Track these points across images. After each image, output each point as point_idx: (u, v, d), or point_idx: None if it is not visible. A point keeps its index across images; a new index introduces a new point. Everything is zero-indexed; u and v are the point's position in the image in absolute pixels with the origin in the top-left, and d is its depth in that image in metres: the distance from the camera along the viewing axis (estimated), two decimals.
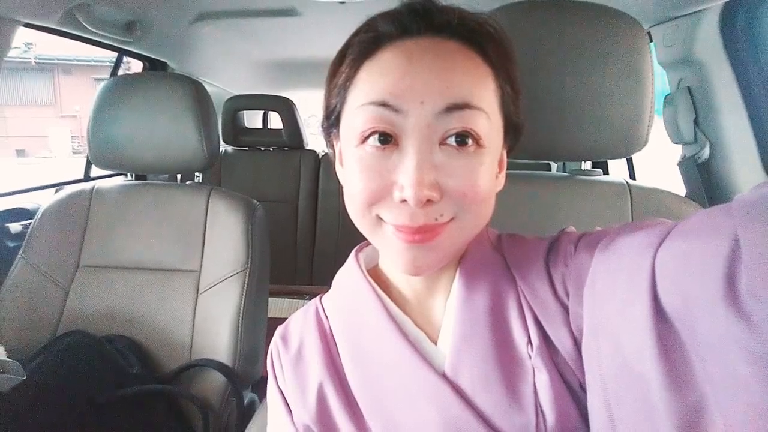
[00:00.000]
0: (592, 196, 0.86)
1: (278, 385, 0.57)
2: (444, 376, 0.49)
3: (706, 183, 1.10)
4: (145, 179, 1.30)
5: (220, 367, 1.02)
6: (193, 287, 1.10)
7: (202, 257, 1.12)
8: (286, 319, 0.63)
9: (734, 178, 1.04)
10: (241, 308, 1.07)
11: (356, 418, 0.51)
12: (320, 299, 0.62)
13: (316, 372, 0.55)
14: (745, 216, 0.33)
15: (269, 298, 1.30)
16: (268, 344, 0.61)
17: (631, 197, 0.85)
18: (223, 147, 2.43)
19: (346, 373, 0.54)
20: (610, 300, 0.42)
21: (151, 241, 1.15)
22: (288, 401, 0.55)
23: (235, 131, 2.39)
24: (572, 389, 0.47)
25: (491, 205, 0.48)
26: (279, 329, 0.61)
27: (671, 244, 0.38)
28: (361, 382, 0.52)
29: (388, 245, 0.47)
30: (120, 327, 1.10)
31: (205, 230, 1.14)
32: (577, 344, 0.47)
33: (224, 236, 1.12)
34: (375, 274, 0.58)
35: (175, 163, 1.13)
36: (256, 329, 1.13)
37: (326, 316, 0.59)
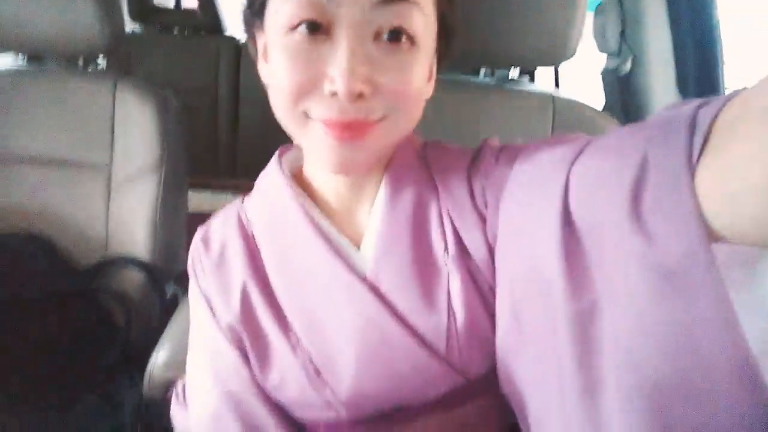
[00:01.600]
0: (516, 106, 0.88)
1: (200, 287, 0.57)
2: (365, 279, 0.51)
3: (625, 95, 1.15)
4: (40, 62, 1.14)
5: (138, 263, 0.99)
6: (104, 183, 1.03)
7: (112, 152, 1.04)
8: (208, 213, 0.62)
9: (650, 93, 1.09)
10: (158, 204, 1.03)
11: (280, 318, 0.53)
12: (242, 202, 0.60)
13: (239, 274, 0.55)
14: (656, 136, 0.34)
15: (190, 192, 1.25)
16: (190, 239, 0.60)
17: (554, 109, 0.87)
18: (131, 26, 2.17)
19: (269, 275, 0.54)
20: (525, 209, 0.44)
21: (51, 133, 1.04)
22: (210, 302, 0.56)
23: (142, 6, 2.14)
24: (483, 293, 0.51)
25: (421, 108, 0.48)
26: (199, 232, 0.60)
27: (585, 159, 0.40)
28: (285, 285, 0.53)
29: (315, 143, 0.46)
30: (26, 225, 1.02)
31: (113, 124, 1.04)
32: (491, 251, 0.50)
33: (136, 131, 1.04)
34: (299, 179, 0.57)
35: (70, 43, 0.99)
36: (175, 224, 1.10)
37: (249, 220, 0.58)
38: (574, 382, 0.38)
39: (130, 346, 0.94)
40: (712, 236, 0.31)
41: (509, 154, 0.51)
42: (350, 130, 0.43)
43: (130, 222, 1.03)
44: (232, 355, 0.53)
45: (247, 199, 0.60)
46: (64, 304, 0.92)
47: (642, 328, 0.33)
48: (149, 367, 0.78)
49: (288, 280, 0.54)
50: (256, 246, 0.56)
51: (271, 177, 0.57)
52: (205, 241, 0.59)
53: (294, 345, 0.52)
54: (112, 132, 1.04)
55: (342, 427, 0.52)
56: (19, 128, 1.05)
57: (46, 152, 1.05)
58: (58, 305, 0.92)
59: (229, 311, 0.54)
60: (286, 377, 0.52)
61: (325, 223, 0.54)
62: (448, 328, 0.49)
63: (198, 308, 0.57)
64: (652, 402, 0.33)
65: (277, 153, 0.59)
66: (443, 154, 0.56)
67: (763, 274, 0.34)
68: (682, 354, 0.32)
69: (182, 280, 1.12)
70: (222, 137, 2.18)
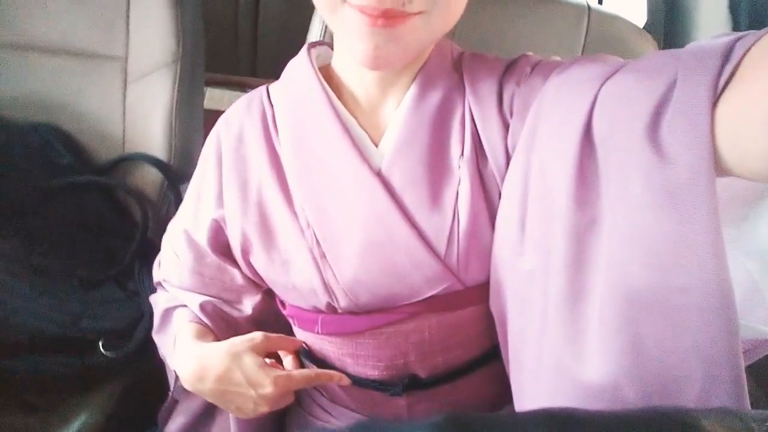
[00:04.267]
0: (548, 15, 0.83)
1: (221, 167, 0.60)
2: (378, 174, 0.52)
3: (669, 14, 1.06)
4: None
5: (155, 161, 1.00)
6: (120, 76, 1.02)
7: (127, 44, 1.01)
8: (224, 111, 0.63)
9: (698, 13, 1.00)
10: (174, 101, 1.02)
11: (290, 201, 0.56)
12: (267, 88, 0.62)
13: (255, 156, 0.57)
14: (690, 62, 0.34)
15: (208, 89, 1.23)
16: (205, 138, 0.63)
17: (588, 22, 0.82)
18: None
19: (283, 159, 0.57)
20: (551, 119, 0.45)
21: (65, 21, 1.01)
22: (223, 177, 0.60)
23: None
24: (490, 202, 0.52)
25: (461, 7, 0.47)
26: (224, 114, 0.63)
27: (618, 77, 0.40)
28: (299, 171, 0.55)
29: (349, 29, 0.45)
30: (43, 115, 1.02)
31: (128, 14, 1.01)
32: (508, 159, 0.51)
33: (151, 23, 1.00)
34: (327, 74, 0.57)
35: None
36: (192, 123, 1.09)
37: (271, 104, 0.60)
38: (560, 290, 0.39)
39: (146, 242, 0.96)
40: (721, 169, 0.31)
41: (545, 67, 0.51)
42: (385, 17, 0.43)
43: (146, 119, 1.03)
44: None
45: (273, 85, 0.62)
46: (81, 198, 0.94)
47: (635, 240, 0.34)
48: None
49: (302, 165, 0.55)
50: (275, 128, 0.58)
51: (300, 65, 0.58)
52: (227, 122, 0.61)
53: (303, 228, 0.54)
54: (127, 22, 1.01)
55: (340, 319, 0.55)
56: (36, 16, 1.02)
57: (64, 42, 1.02)
58: (76, 198, 0.94)
59: (243, 193, 0.58)
60: (292, 257, 0.55)
61: (347, 116, 0.55)
62: (451, 231, 0.51)
63: (207, 175, 0.62)
64: (628, 313, 0.35)
65: (306, 45, 0.59)
66: (478, 62, 0.56)
67: (761, 215, 0.34)
68: (667, 269, 0.32)
69: None
70: (241, 33, 2.10)
